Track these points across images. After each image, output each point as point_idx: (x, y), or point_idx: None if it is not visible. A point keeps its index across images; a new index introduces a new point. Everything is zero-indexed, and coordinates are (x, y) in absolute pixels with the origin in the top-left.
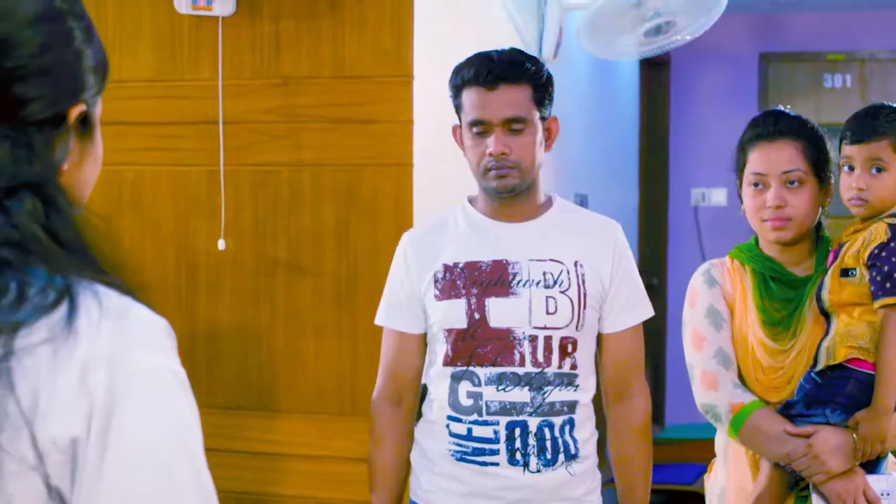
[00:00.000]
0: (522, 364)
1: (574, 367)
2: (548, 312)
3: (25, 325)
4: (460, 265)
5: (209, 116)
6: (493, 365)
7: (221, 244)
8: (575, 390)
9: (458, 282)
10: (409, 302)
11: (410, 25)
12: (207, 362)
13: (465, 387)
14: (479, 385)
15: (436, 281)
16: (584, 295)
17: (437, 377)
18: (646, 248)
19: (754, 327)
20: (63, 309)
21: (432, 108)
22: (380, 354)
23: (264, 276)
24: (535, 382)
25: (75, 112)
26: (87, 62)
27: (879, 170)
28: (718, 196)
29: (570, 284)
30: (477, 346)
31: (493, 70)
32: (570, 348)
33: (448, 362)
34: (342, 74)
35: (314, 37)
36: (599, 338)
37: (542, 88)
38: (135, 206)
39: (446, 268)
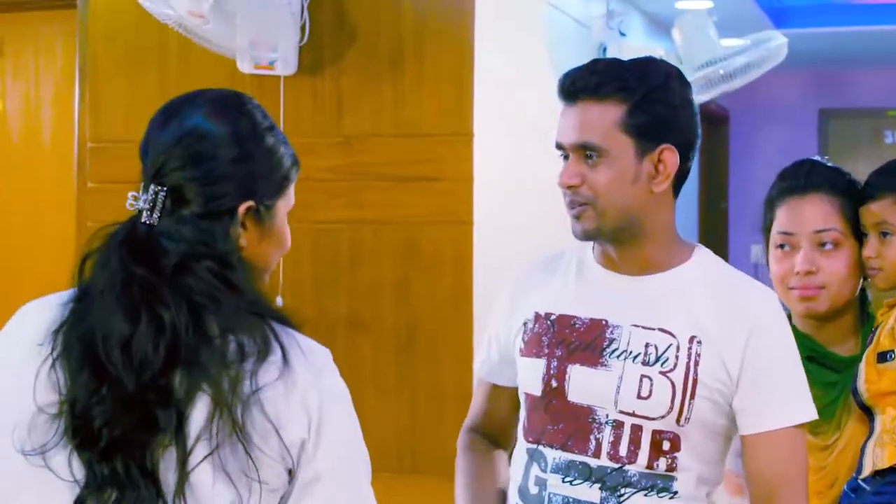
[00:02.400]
0: (597, 455)
1: (672, 468)
2: (639, 396)
3: (261, 368)
4: (553, 317)
5: None
6: (563, 448)
7: (279, 301)
8: (671, 498)
9: (544, 337)
10: (502, 348)
11: (471, 84)
12: None
13: (534, 471)
14: (546, 471)
15: (524, 331)
16: (694, 382)
17: (517, 450)
18: None
19: None
20: (277, 351)
21: (493, 166)
22: (466, 407)
23: (325, 332)
24: (610, 481)
25: (242, 208)
26: (258, 171)
27: (886, 234)
28: None
29: (676, 365)
30: (549, 421)
31: (571, 80)
32: (666, 446)
33: (524, 434)
34: (403, 133)
35: (375, 95)
36: (742, 441)
37: (644, 110)
38: None
39: (537, 317)
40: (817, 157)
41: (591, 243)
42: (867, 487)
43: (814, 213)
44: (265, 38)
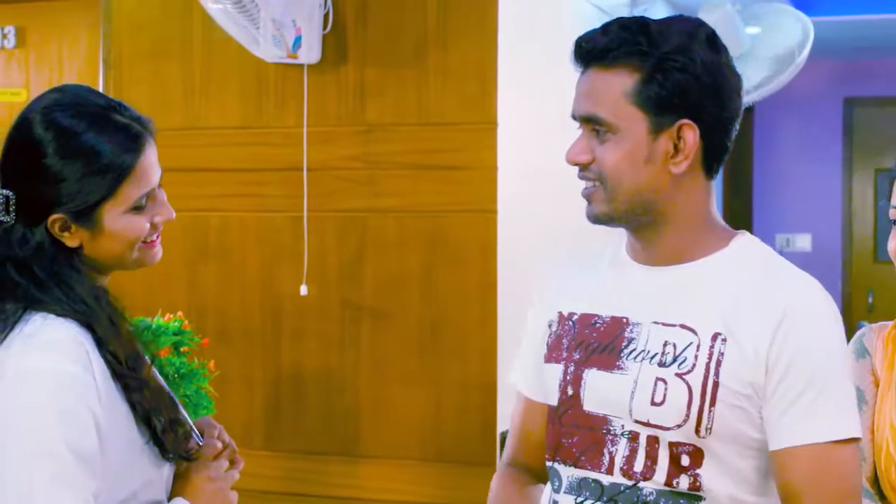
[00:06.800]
0: (610, 471)
1: (696, 487)
2: (653, 402)
3: None
4: (575, 317)
5: (294, 163)
6: (576, 465)
7: (304, 290)
8: None
9: (564, 339)
10: (536, 357)
11: (494, 73)
12: (292, 407)
13: (550, 492)
14: (559, 491)
15: (549, 335)
16: (715, 385)
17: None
18: None
19: (894, 413)
20: (5, 331)
21: (517, 155)
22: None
23: (349, 321)
24: (623, 500)
25: (50, 221)
26: (65, 186)
27: None
28: (803, 241)
29: (694, 366)
30: (563, 434)
31: (581, 42)
32: (686, 460)
33: (546, 452)
34: (426, 121)
35: (399, 84)
36: (770, 458)
37: (658, 80)
38: (221, 252)
39: (560, 318)
40: None
41: (625, 233)
42: None
43: None
44: (289, 28)
